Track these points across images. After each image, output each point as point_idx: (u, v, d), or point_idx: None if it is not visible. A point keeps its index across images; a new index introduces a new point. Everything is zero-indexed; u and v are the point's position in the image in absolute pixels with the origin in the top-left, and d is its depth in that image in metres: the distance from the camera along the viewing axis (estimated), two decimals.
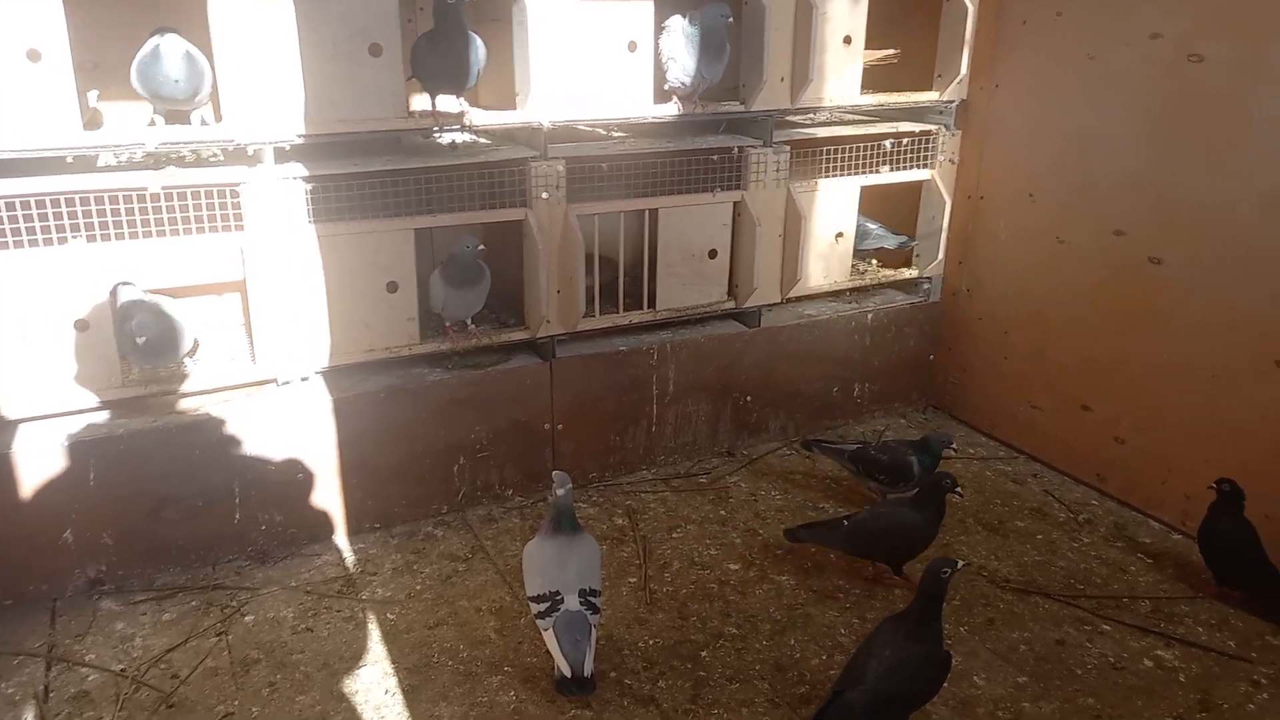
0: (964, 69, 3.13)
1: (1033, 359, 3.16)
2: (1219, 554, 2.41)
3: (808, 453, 3.13)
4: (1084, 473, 3.03)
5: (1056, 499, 2.93)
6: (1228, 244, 2.53)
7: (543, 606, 2.05)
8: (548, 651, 2.07)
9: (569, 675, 1.99)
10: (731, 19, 2.66)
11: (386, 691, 2.09)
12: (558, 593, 2.04)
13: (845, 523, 2.45)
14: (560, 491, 2.10)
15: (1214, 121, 2.52)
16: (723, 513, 2.84)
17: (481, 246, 2.61)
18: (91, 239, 2.27)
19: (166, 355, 2.41)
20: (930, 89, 3.21)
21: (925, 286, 3.45)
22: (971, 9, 3.07)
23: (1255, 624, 2.33)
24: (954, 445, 2.76)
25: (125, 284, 2.37)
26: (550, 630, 2.03)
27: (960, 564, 1.90)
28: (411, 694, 2.08)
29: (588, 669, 2.00)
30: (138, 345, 2.29)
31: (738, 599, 2.42)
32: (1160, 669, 2.17)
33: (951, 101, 3.22)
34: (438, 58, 2.44)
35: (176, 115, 2.37)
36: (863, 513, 2.48)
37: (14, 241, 2.20)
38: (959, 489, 2.35)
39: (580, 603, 2.04)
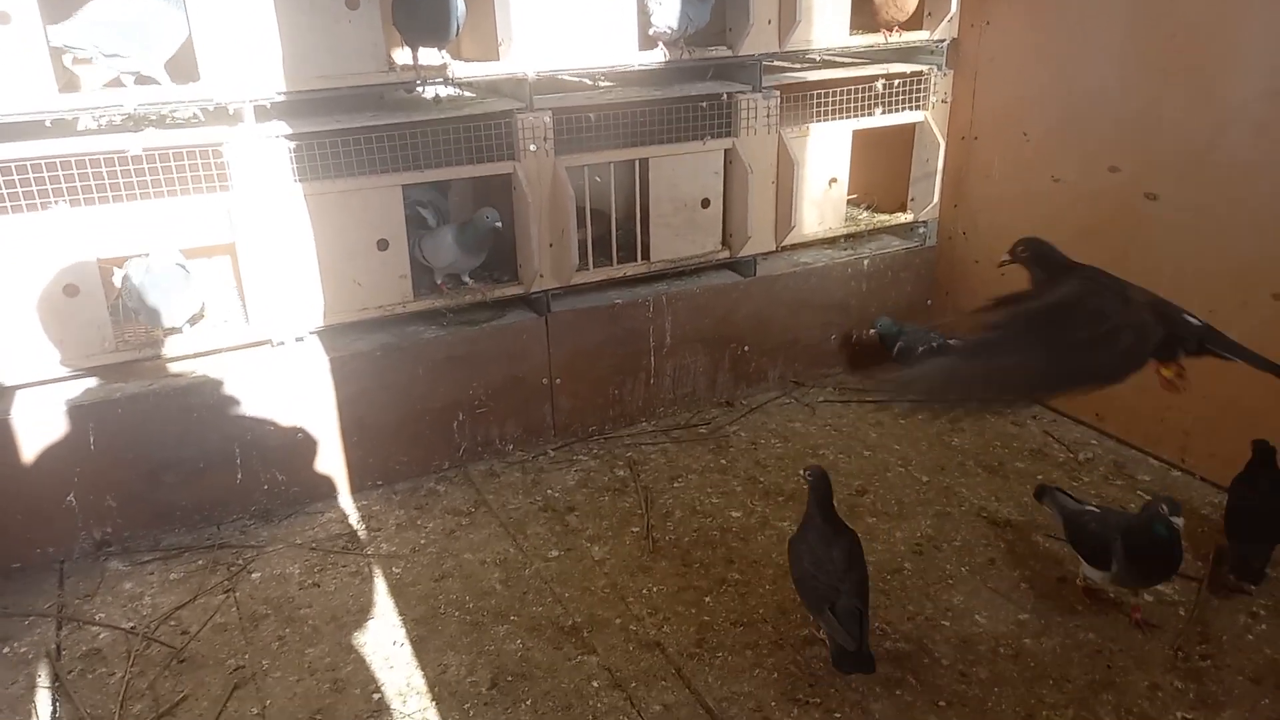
0: (954, 6, 3.07)
1: None
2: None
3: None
4: (1082, 412, 3.03)
5: (1056, 439, 2.94)
6: (1221, 177, 2.50)
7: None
8: (553, 600, 2.13)
9: None
10: None
11: (395, 642, 2.11)
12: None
13: None
14: None
15: (1205, 51, 2.47)
16: (723, 462, 2.84)
17: (498, 224, 2.61)
18: (75, 204, 2.24)
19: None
20: (920, 28, 3.15)
21: (921, 230, 3.42)
22: None
23: None
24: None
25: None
26: None
27: (816, 467, 2.01)
28: (419, 644, 2.11)
29: None
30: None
31: (740, 545, 2.44)
32: (1160, 603, 2.19)
33: (942, 40, 3.16)
34: (416, 13, 2.41)
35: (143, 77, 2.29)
36: None
37: None
38: None
39: None
